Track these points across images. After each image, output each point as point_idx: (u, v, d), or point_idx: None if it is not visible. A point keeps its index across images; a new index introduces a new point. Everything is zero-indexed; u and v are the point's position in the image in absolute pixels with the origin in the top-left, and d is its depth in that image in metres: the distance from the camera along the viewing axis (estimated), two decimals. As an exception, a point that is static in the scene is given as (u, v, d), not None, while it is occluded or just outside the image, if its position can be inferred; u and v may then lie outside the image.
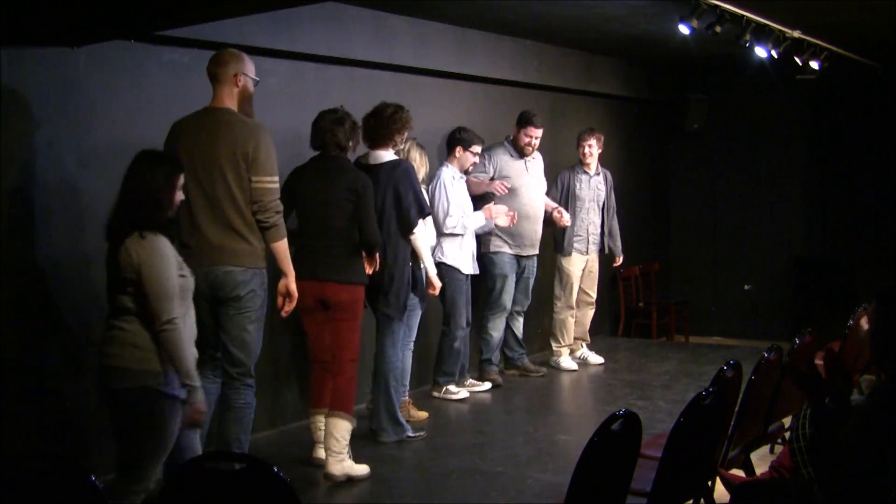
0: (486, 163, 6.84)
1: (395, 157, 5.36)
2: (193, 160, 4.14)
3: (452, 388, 6.55)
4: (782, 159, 9.87)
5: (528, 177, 6.97)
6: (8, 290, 4.37)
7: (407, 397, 5.86)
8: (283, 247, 4.37)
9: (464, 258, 6.39)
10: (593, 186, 7.47)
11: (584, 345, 7.74)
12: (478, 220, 6.44)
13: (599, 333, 8.71)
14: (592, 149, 7.41)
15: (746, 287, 10.14)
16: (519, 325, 7.25)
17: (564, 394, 7.12)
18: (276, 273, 4.45)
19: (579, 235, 7.42)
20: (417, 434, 5.49)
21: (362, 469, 4.82)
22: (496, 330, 6.98)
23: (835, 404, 2.92)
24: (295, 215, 4.98)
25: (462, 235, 6.35)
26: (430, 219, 5.74)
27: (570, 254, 7.40)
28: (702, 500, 3.69)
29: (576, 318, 7.58)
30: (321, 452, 4.95)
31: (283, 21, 5.48)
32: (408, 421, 5.58)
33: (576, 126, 7.94)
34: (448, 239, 6.26)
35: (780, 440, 5.11)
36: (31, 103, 4.48)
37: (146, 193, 3.49)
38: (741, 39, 6.67)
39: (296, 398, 5.87)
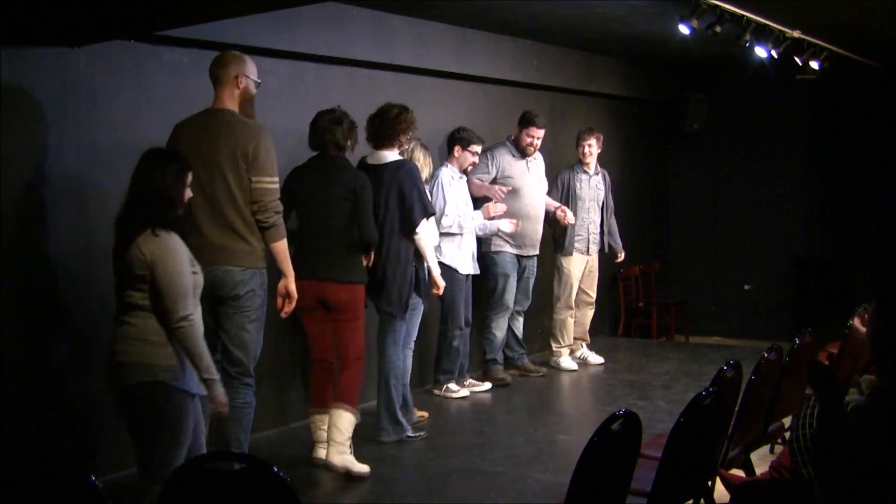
0: (489, 163, 6.85)
1: (399, 158, 5.37)
2: (194, 161, 4.13)
3: (453, 386, 6.56)
4: (782, 159, 9.87)
5: (529, 177, 6.98)
6: (7, 290, 4.38)
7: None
8: (282, 247, 4.38)
9: (463, 258, 6.39)
10: (593, 186, 7.48)
11: (584, 345, 7.74)
12: (476, 219, 6.44)
13: (599, 333, 8.71)
14: (592, 148, 7.41)
15: (746, 287, 10.14)
16: (519, 325, 7.25)
17: (564, 394, 7.12)
18: (276, 274, 4.46)
19: (580, 235, 7.42)
20: (417, 434, 5.49)
21: (362, 467, 4.82)
22: (499, 329, 6.99)
23: (831, 407, 2.92)
24: (295, 215, 4.98)
25: (461, 235, 6.35)
26: (433, 219, 5.75)
27: (571, 253, 7.40)
28: (702, 500, 3.69)
29: (575, 318, 7.59)
30: (321, 452, 4.96)
31: (283, 21, 5.48)
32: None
33: (576, 126, 7.94)
34: (446, 239, 6.27)
35: (780, 440, 5.11)
36: (31, 103, 4.48)
37: (157, 191, 3.49)
38: (741, 39, 6.67)
39: (296, 398, 5.87)
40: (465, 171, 6.54)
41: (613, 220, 7.69)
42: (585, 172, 7.45)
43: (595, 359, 7.70)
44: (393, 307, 5.30)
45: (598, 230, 7.54)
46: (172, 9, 4.23)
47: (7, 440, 4.26)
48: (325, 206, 4.91)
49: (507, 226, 6.62)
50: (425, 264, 5.54)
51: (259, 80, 4.47)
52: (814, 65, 7.71)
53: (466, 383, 6.67)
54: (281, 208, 4.35)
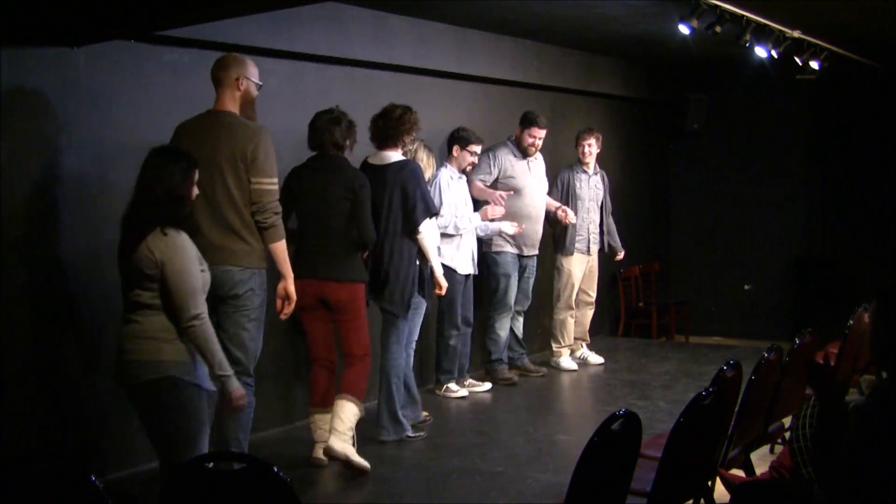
0: (491, 163, 6.85)
1: (402, 158, 5.37)
2: (194, 161, 4.16)
3: (453, 385, 6.56)
4: (782, 159, 9.86)
5: (531, 177, 6.99)
6: (8, 290, 4.38)
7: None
8: (281, 248, 4.39)
9: (461, 258, 6.39)
10: (592, 186, 7.49)
11: (584, 345, 7.74)
12: (474, 220, 6.43)
13: (599, 333, 8.71)
14: (591, 148, 7.42)
15: (746, 287, 10.13)
16: (519, 325, 7.25)
17: (564, 394, 7.12)
18: (275, 276, 4.47)
19: (581, 235, 7.42)
20: (417, 434, 5.49)
21: (363, 462, 4.83)
22: (503, 329, 7.00)
23: (831, 407, 2.92)
24: (295, 216, 4.99)
25: (459, 235, 6.35)
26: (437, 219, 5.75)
27: (572, 253, 7.40)
28: (702, 500, 3.69)
29: (575, 318, 7.59)
30: (321, 452, 4.96)
31: (283, 21, 5.48)
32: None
33: (576, 126, 7.94)
34: (444, 239, 6.25)
35: (780, 440, 5.11)
36: (31, 103, 4.48)
37: (165, 190, 3.48)
38: (741, 39, 6.67)
39: (296, 398, 5.87)
40: (464, 171, 6.54)
41: (611, 220, 7.70)
42: (585, 172, 7.46)
43: (595, 359, 7.70)
44: (395, 307, 5.31)
45: (598, 230, 7.54)
46: (172, 9, 4.23)
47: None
48: (325, 205, 4.91)
49: (509, 228, 6.62)
50: (429, 264, 5.55)
51: (261, 83, 4.48)
52: (814, 65, 7.71)
53: (466, 383, 6.67)
54: (280, 209, 4.36)
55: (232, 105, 4.35)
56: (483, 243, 6.81)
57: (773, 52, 7.07)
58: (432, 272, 5.58)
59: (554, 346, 7.57)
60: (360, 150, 5.29)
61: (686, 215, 10.53)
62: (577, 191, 7.40)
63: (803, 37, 7.23)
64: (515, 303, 7.07)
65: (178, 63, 5.09)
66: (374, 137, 5.38)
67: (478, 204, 6.67)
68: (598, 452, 2.77)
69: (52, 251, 4.59)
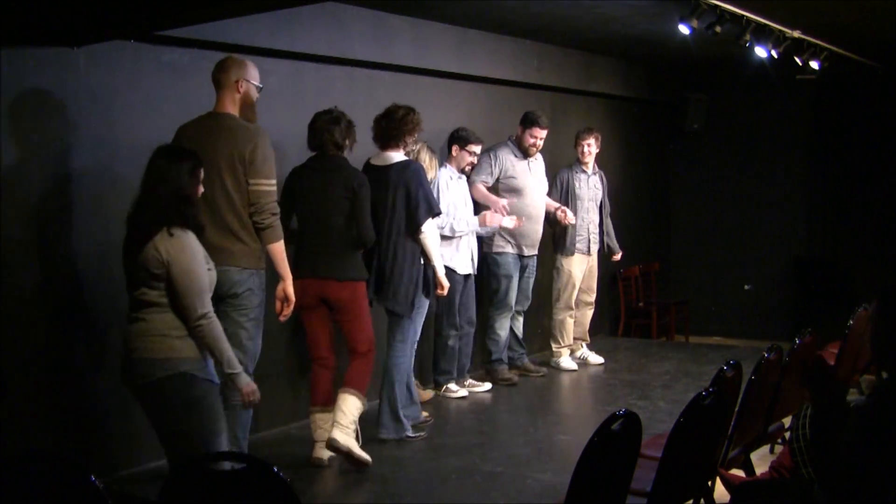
0: (492, 164, 6.84)
1: (404, 158, 5.37)
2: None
3: (452, 386, 6.56)
4: (782, 159, 9.86)
5: (531, 177, 6.99)
6: (7, 290, 4.38)
7: (414, 379, 5.85)
8: (279, 249, 4.39)
9: (460, 259, 6.39)
10: (591, 185, 7.48)
11: (584, 345, 7.74)
12: (471, 224, 6.41)
13: (599, 333, 8.71)
14: (591, 148, 7.42)
15: (746, 287, 10.13)
16: (519, 325, 7.25)
17: (564, 394, 7.12)
18: (274, 277, 4.47)
19: (581, 235, 7.41)
20: (417, 434, 5.49)
21: (365, 456, 4.83)
22: (503, 329, 6.99)
23: (832, 407, 2.92)
24: (295, 216, 4.99)
25: (458, 237, 6.34)
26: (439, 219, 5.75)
27: (572, 254, 7.40)
28: (702, 500, 3.69)
29: (575, 318, 7.59)
30: (321, 452, 4.96)
31: (283, 21, 5.48)
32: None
33: (576, 126, 7.93)
34: (442, 240, 6.25)
35: (780, 440, 5.11)
36: (31, 103, 4.48)
37: (172, 190, 3.48)
38: (741, 39, 6.67)
39: (296, 398, 5.87)
40: (463, 171, 6.53)
41: (609, 221, 7.70)
42: (584, 172, 7.45)
43: (595, 359, 7.70)
44: (399, 306, 5.31)
45: (598, 230, 7.54)
46: (172, 9, 4.24)
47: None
48: (325, 205, 4.92)
49: (508, 222, 6.60)
50: (431, 264, 5.54)
51: (261, 85, 4.49)
52: (814, 65, 7.71)
53: (466, 383, 6.67)
54: (278, 210, 4.36)
55: (232, 107, 4.37)
56: (484, 244, 6.80)
57: (773, 52, 7.07)
58: (435, 272, 5.58)
59: (554, 346, 7.57)
60: (360, 150, 5.29)
61: (686, 215, 10.53)
62: (577, 191, 7.39)
63: (803, 37, 7.23)
64: (515, 303, 7.07)
65: (178, 63, 5.09)
66: (376, 138, 5.38)
67: (478, 206, 6.66)
68: (598, 452, 2.77)
69: (52, 251, 4.58)
